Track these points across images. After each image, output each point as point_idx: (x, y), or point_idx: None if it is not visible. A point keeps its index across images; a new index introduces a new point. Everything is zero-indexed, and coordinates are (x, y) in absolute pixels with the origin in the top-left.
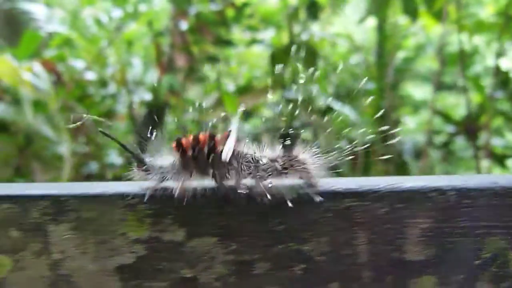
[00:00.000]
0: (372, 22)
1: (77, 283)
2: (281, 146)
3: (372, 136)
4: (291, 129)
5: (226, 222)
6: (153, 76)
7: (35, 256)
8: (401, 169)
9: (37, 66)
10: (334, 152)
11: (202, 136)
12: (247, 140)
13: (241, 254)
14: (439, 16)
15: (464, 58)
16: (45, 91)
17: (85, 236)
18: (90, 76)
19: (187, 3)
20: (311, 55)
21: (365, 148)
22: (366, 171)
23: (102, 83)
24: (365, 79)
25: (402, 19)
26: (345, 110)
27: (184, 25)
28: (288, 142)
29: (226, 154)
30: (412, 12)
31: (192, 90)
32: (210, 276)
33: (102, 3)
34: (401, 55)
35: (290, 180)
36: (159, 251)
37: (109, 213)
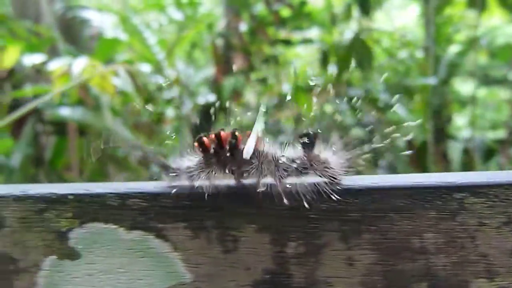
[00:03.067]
0: (419, 15)
1: None
2: (301, 146)
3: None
4: (318, 128)
5: None
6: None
7: None
8: (467, 167)
9: (121, 70)
10: (357, 151)
11: (224, 133)
12: (269, 140)
13: None
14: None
15: None
16: (131, 94)
17: None
18: (157, 80)
19: (245, 5)
20: (367, 52)
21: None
22: (424, 170)
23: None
24: (416, 74)
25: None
26: (397, 108)
27: (243, 27)
28: (308, 141)
29: (247, 152)
30: (480, 5)
31: (251, 91)
32: None
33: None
34: (452, 49)
35: (311, 180)
36: None
37: None
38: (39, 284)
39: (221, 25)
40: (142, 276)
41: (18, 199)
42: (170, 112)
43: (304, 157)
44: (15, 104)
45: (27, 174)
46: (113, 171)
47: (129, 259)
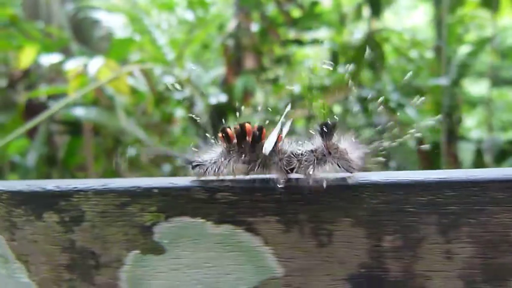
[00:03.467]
0: (429, 15)
1: None
2: (320, 134)
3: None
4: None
5: None
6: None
7: None
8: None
9: (136, 71)
10: (375, 143)
11: (248, 126)
12: (291, 137)
13: None
14: None
15: None
16: (145, 95)
17: None
18: (168, 80)
19: (257, 6)
20: (379, 52)
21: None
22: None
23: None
24: (426, 75)
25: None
26: (407, 109)
27: (254, 27)
28: (327, 130)
29: (266, 148)
30: (495, 5)
31: (262, 91)
32: None
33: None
34: (462, 50)
35: (329, 168)
36: None
37: None
38: (122, 279)
39: (231, 25)
40: (231, 271)
41: (99, 192)
42: (179, 112)
43: (323, 146)
44: (30, 104)
45: (42, 173)
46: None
47: (217, 253)
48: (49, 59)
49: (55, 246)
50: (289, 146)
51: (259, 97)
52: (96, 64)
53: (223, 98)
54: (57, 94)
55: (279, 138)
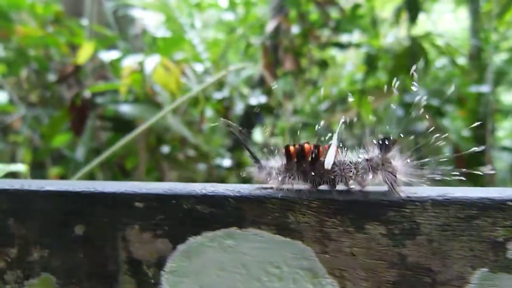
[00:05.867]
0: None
1: None
2: (378, 146)
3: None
4: (393, 134)
5: None
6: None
7: None
8: None
9: (188, 69)
10: (427, 167)
11: (307, 146)
12: (346, 147)
13: None
14: None
15: None
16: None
17: None
18: (209, 79)
19: (298, 6)
20: (425, 57)
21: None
22: (474, 183)
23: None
24: (461, 82)
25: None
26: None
27: (295, 29)
28: (385, 144)
29: (328, 163)
30: None
31: (301, 93)
32: None
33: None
34: (498, 57)
35: (377, 178)
36: None
37: None
38: None
39: (270, 27)
40: None
41: (439, 204)
42: (209, 112)
43: (378, 157)
44: (76, 100)
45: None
46: (165, 167)
47: None
48: (109, 55)
49: (379, 260)
50: (345, 156)
51: (298, 99)
52: (152, 62)
53: (263, 99)
54: (102, 91)
55: (336, 153)
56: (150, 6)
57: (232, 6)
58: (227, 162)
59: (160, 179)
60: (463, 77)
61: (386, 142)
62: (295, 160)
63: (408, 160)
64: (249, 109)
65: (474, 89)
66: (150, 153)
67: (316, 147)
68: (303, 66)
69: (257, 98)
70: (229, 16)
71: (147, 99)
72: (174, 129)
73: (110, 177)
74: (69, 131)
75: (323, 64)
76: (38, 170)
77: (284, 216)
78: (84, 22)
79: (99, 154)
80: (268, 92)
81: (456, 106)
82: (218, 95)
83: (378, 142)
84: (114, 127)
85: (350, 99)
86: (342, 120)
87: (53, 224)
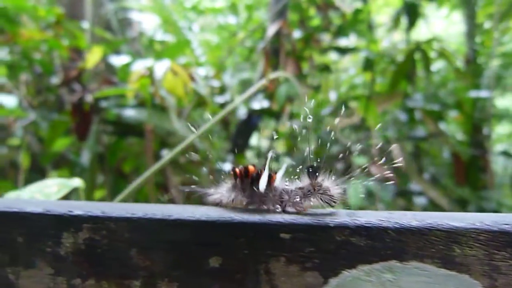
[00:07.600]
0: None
1: None
2: (307, 175)
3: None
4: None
5: None
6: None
7: None
8: None
9: (196, 73)
10: (351, 179)
11: (251, 168)
12: (282, 175)
13: None
14: None
15: None
16: (205, 97)
17: None
18: (214, 83)
19: (300, 11)
20: (426, 62)
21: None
22: (473, 187)
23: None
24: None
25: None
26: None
27: (296, 33)
28: (312, 171)
29: (261, 186)
30: None
31: (302, 98)
32: None
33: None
34: (495, 62)
35: (314, 202)
36: None
37: None
38: None
39: (270, 31)
40: None
41: None
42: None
43: (309, 184)
44: (79, 103)
45: (96, 172)
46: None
47: None
48: (120, 60)
49: None
50: (281, 184)
51: (298, 103)
52: (162, 67)
53: (265, 103)
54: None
55: (273, 178)
56: (147, 9)
57: (233, 10)
58: (227, 166)
59: (164, 183)
60: (459, 81)
61: (312, 170)
62: (238, 181)
63: (333, 179)
64: (252, 113)
65: (473, 94)
66: (153, 157)
67: (258, 171)
68: (304, 71)
69: (260, 103)
70: (230, 20)
71: (153, 103)
72: (180, 133)
73: (112, 181)
74: (68, 135)
75: (325, 69)
76: (36, 174)
77: (449, 249)
78: (85, 25)
79: (102, 159)
80: (271, 96)
81: (456, 111)
82: (219, 99)
83: (307, 171)
84: (118, 131)
85: (353, 105)
86: (270, 156)
87: (183, 255)
